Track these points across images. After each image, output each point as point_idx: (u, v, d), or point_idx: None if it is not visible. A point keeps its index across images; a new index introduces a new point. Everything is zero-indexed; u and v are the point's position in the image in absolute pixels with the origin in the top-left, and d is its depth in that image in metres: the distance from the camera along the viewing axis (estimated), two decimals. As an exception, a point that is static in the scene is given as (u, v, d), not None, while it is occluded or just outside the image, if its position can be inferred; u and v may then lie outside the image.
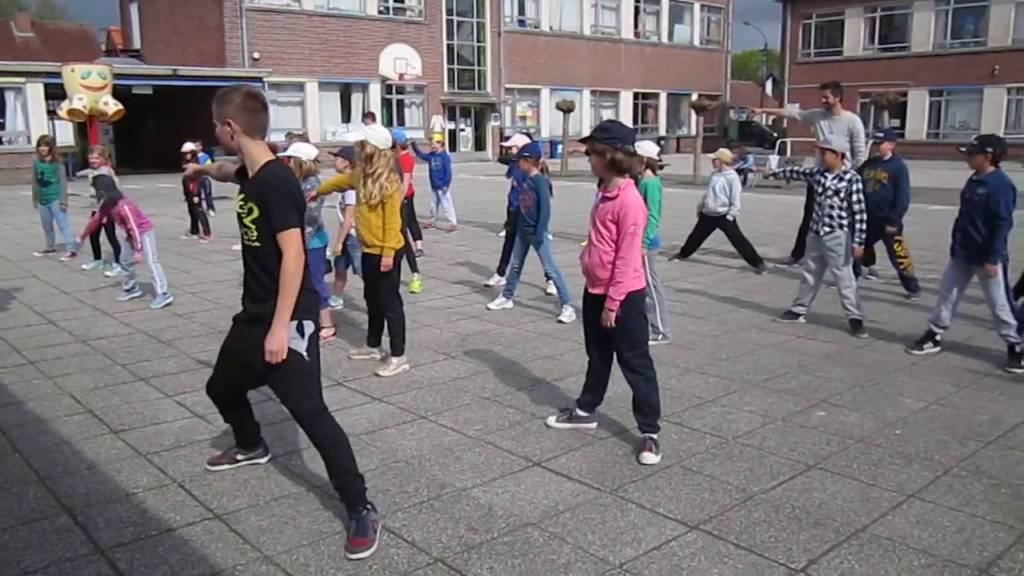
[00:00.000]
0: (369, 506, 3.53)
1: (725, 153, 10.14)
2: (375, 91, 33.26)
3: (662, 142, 41.62)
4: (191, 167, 5.00)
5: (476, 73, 37.46)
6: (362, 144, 5.63)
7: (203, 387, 5.38)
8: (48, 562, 3.31)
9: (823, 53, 39.82)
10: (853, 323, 6.80)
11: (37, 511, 3.75)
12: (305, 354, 3.45)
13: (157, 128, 31.56)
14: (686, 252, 10.44)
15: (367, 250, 5.82)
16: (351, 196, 6.66)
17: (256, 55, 30.17)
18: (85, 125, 22.24)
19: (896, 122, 34.92)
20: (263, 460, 4.23)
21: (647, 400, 4.39)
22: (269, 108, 3.60)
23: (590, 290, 4.51)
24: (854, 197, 6.58)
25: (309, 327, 3.47)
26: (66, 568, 3.26)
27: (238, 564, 3.28)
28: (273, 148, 6.98)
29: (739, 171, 19.10)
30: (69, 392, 5.43)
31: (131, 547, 3.42)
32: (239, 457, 4.19)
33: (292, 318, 3.38)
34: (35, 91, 25.63)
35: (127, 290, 8.34)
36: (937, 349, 6.22)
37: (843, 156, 6.87)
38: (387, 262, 5.72)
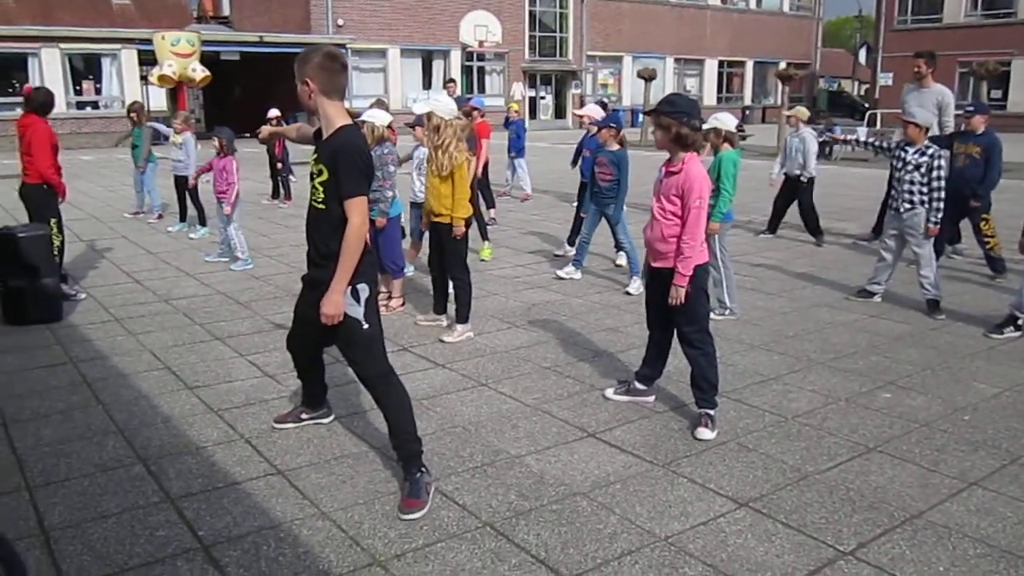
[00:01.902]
0: (424, 469, 3.63)
1: (801, 111, 9.88)
2: (456, 58, 33.33)
3: (747, 112, 40.67)
4: (265, 129, 5.01)
5: (558, 40, 37.16)
6: (428, 116, 5.69)
7: (275, 348, 5.63)
8: (122, 508, 3.52)
9: (921, 20, 38.01)
10: (930, 303, 6.59)
11: (115, 460, 3.98)
12: (364, 320, 3.53)
13: (244, 93, 32.35)
14: (773, 226, 10.24)
15: (436, 219, 5.90)
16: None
17: (340, 22, 30.58)
18: (176, 90, 22.99)
19: (997, 93, 33.23)
20: (326, 421, 4.38)
21: (705, 376, 4.36)
22: (348, 69, 3.63)
23: (652, 264, 4.49)
24: (934, 173, 6.34)
25: (364, 291, 3.53)
26: (138, 514, 3.46)
27: (296, 519, 3.43)
28: (354, 115, 7.11)
29: (823, 143, 18.58)
30: (150, 349, 5.71)
31: (198, 497, 3.60)
32: (304, 416, 4.35)
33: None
34: (129, 57, 26.59)
35: (219, 253, 8.64)
36: (1018, 334, 5.98)
37: (926, 131, 6.61)
38: (459, 231, 5.79)
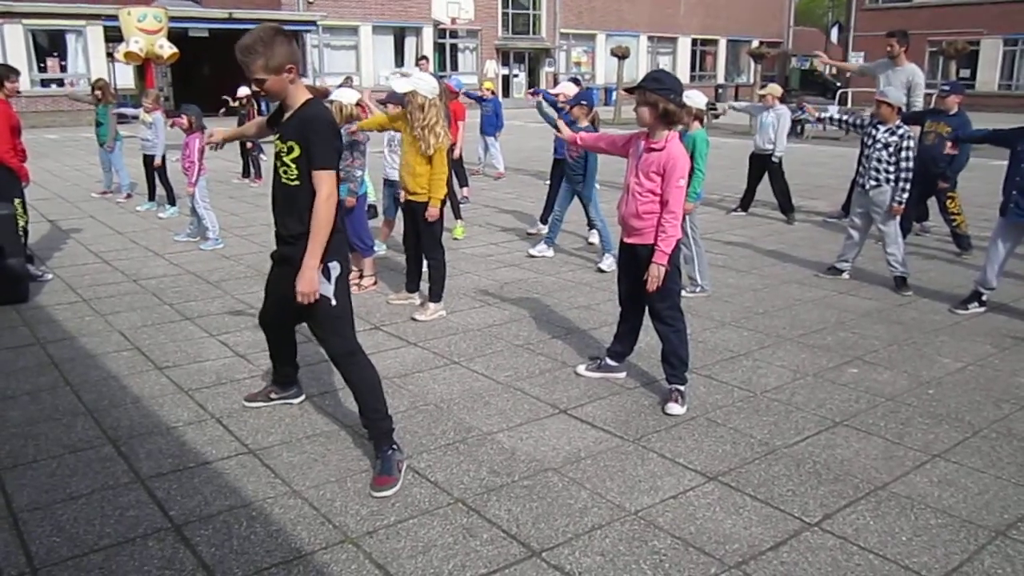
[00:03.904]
0: (395, 446, 3.63)
1: (775, 88, 9.94)
2: (428, 35, 33.04)
3: (720, 90, 40.73)
4: (218, 132, 4.49)
5: (531, 17, 36.94)
6: (412, 95, 5.61)
7: (246, 327, 5.60)
8: (92, 489, 3.49)
9: (892, -1, 38.28)
10: (897, 280, 6.68)
11: (84, 441, 3.94)
12: (333, 298, 3.51)
13: (213, 71, 31.85)
14: (745, 204, 10.30)
15: (411, 197, 5.85)
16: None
17: (311, -2, 30.17)
18: (143, 68, 22.59)
19: (966, 72, 33.56)
20: (296, 401, 4.35)
21: (676, 352, 4.40)
22: None
23: (625, 240, 4.50)
24: (903, 154, 6.40)
25: (335, 269, 3.50)
26: (108, 495, 3.44)
27: (267, 497, 3.43)
28: (325, 93, 7.00)
29: (796, 121, 18.67)
30: (119, 329, 5.65)
31: (169, 477, 3.59)
32: (273, 396, 4.33)
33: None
34: (95, 33, 26.05)
35: (189, 233, 8.55)
36: (982, 309, 6.08)
37: (898, 110, 6.67)
38: (433, 212, 5.74)
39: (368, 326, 5.69)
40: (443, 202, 5.91)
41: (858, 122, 7.14)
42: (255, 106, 13.62)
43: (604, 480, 3.58)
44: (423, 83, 5.64)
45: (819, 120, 7.78)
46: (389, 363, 4.98)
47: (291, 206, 3.51)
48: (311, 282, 3.41)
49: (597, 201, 7.63)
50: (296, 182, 3.46)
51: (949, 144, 7.21)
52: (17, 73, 6.98)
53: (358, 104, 6.59)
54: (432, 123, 5.60)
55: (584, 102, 7.54)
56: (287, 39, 3.39)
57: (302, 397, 4.39)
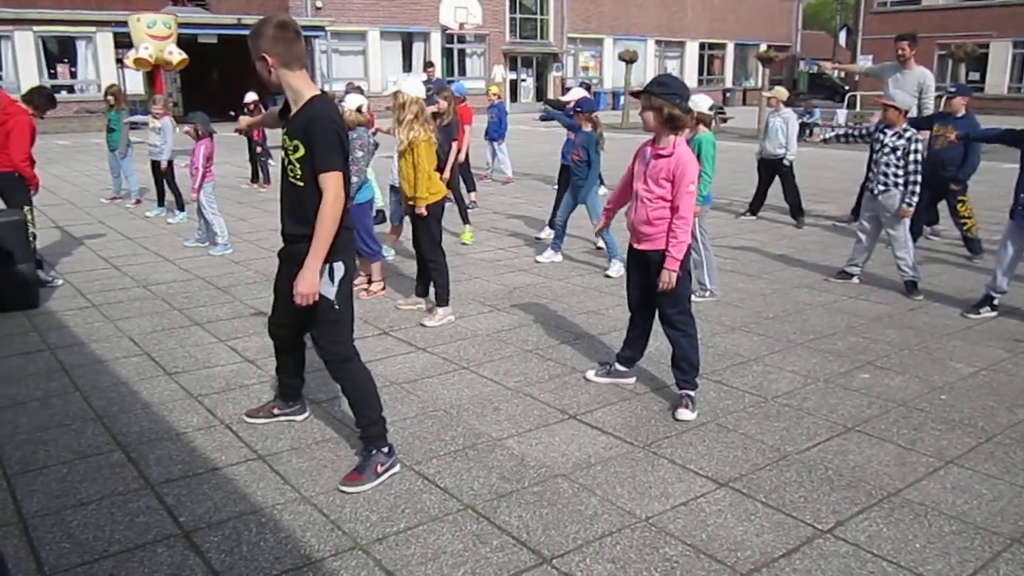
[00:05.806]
0: (383, 449, 3.62)
1: (781, 91, 9.91)
2: (436, 41, 33.10)
3: (728, 94, 40.69)
4: (243, 120, 4.89)
5: (539, 22, 36.97)
6: (395, 94, 5.70)
7: (255, 333, 5.62)
8: (102, 495, 3.49)
9: (900, 2, 38.14)
10: (908, 284, 6.64)
11: (94, 447, 3.95)
12: (335, 301, 3.47)
13: (222, 77, 31.98)
14: (755, 208, 10.27)
15: (411, 202, 5.88)
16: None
17: (319, 3, 30.25)
18: (152, 74, 22.68)
19: (975, 75, 33.42)
20: (299, 419, 4.21)
21: (686, 357, 4.38)
22: (302, 35, 3.47)
23: (635, 246, 4.49)
24: (911, 156, 6.36)
25: (339, 270, 3.46)
26: (118, 501, 3.44)
27: (277, 503, 3.42)
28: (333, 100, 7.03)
29: (803, 125, 18.63)
30: (128, 335, 5.66)
31: (178, 483, 3.59)
32: (276, 411, 4.21)
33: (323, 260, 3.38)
34: (105, 40, 26.18)
35: (198, 238, 8.59)
36: (994, 314, 6.04)
37: (905, 113, 6.64)
38: (419, 211, 5.76)
39: (377, 331, 5.69)
40: (440, 206, 5.90)
41: (863, 131, 7.10)
42: (262, 111, 13.66)
43: (614, 486, 3.56)
44: (407, 84, 5.77)
45: (824, 142, 7.82)
46: (398, 368, 4.98)
47: (296, 205, 3.49)
48: (311, 283, 3.37)
49: (598, 206, 7.62)
50: (301, 182, 3.43)
51: (953, 137, 7.14)
52: (54, 107, 7.28)
53: (358, 109, 6.56)
54: (407, 121, 5.69)
55: (579, 109, 7.64)
56: (278, 32, 3.36)
57: (306, 414, 4.25)
